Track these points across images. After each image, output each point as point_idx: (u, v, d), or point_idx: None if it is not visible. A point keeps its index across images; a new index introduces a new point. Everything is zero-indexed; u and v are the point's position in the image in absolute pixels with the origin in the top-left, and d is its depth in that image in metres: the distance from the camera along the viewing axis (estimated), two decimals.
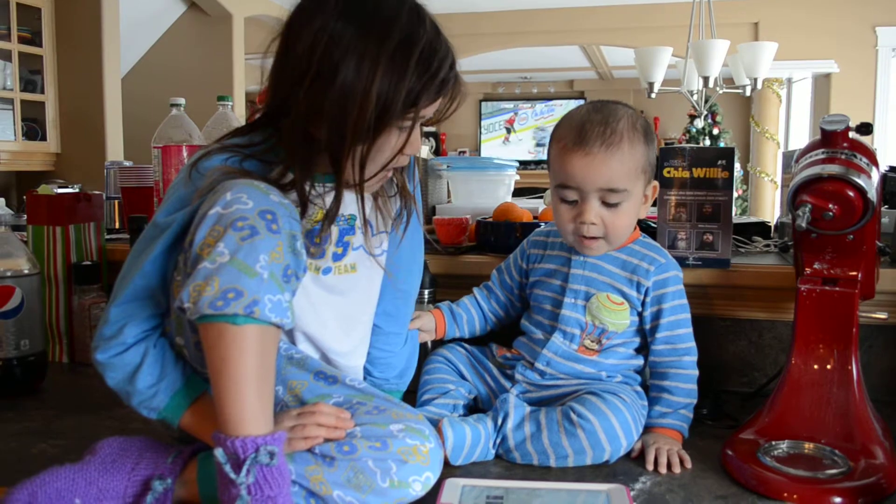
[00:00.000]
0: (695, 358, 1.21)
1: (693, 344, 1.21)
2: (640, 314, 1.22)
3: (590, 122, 1.15)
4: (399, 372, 1.24)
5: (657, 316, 1.21)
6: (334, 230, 1.09)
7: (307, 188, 1.01)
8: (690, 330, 1.22)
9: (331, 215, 1.02)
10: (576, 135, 1.15)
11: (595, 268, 1.23)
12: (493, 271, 1.40)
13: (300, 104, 0.95)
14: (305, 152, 0.99)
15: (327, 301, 1.11)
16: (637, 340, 1.24)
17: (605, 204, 1.16)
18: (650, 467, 1.09)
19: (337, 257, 1.11)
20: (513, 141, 9.91)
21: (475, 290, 1.41)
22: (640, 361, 1.24)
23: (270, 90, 1.00)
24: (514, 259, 1.36)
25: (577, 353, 1.22)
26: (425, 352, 1.34)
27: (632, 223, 1.20)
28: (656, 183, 1.23)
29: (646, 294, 1.21)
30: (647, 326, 1.22)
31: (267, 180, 0.95)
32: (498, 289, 1.38)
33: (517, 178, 2.10)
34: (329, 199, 1.08)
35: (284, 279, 0.87)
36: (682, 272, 1.23)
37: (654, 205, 1.45)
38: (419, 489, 0.93)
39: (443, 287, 1.49)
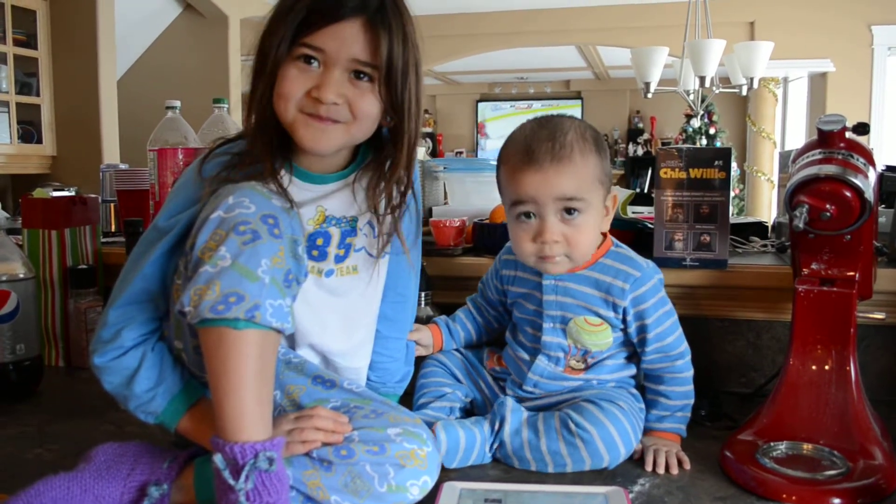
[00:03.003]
0: (688, 358, 1.19)
1: (685, 346, 1.19)
2: (623, 330, 1.19)
3: (536, 140, 1.10)
4: (398, 377, 1.24)
5: (642, 330, 1.17)
6: (335, 232, 1.09)
7: (281, 177, 1.02)
8: (680, 332, 1.19)
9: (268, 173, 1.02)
10: (523, 154, 1.10)
11: (567, 291, 1.18)
12: (479, 284, 1.38)
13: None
14: (262, 138, 1.01)
15: (329, 303, 1.10)
16: (625, 351, 1.21)
17: (565, 216, 1.10)
18: (649, 468, 1.09)
19: (339, 259, 1.10)
20: None
21: (468, 301, 1.39)
22: (631, 371, 1.21)
23: None
24: (491, 277, 1.34)
25: (563, 373, 1.20)
26: (420, 357, 1.33)
27: (595, 238, 1.15)
28: (615, 193, 1.18)
29: (624, 314, 1.17)
30: (635, 340, 1.19)
31: (251, 177, 0.96)
32: (485, 304, 1.36)
33: None
34: (326, 201, 1.08)
35: (285, 284, 0.87)
36: (661, 275, 1.19)
37: (649, 203, 1.44)
38: (417, 493, 0.93)
39: (439, 289, 1.48)
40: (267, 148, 1.01)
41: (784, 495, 0.99)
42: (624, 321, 1.18)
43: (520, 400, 1.21)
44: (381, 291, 1.17)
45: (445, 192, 2.08)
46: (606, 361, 1.20)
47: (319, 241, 1.08)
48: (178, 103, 1.85)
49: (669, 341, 1.18)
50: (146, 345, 0.98)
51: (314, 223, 1.07)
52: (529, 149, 1.10)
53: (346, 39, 0.96)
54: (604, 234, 1.20)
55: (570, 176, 1.08)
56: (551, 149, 1.08)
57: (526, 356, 1.23)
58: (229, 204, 0.87)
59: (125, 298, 0.98)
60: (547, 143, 1.09)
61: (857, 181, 1.08)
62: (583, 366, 1.20)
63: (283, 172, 1.04)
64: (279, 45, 0.97)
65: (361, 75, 0.99)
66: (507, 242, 1.33)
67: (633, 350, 1.21)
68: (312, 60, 0.97)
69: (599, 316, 1.18)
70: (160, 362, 0.98)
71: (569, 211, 1.10)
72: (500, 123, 9.85)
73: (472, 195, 1.94)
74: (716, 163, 1.36)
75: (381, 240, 1.11)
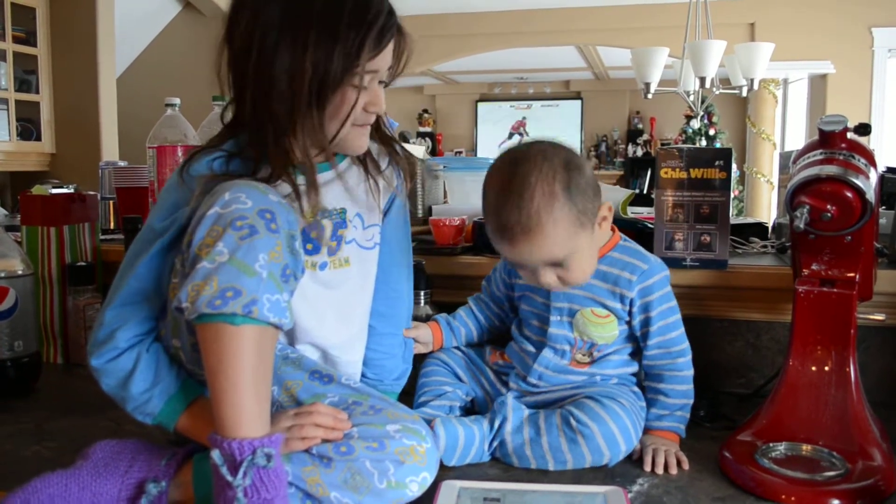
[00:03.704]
0: (689, 357, 1.19)
1: (686, 344, 1.20)
2: (628, 323, 1.20)
3: (504, 209, 1.06)
4: (396, 375, 1.24)
5: (646, 323, 1.18)
6: (328, 224, 1.09)
7: (294, 178, 1.01)
8: (682, 331, 1.20)
9: (312, 187, 1.02)
10: (495, 224, 1.08)
11: None
12: (483, 282, 1.38)
13: (251, 94, 0.98)
14: (274, 141, 0.99)
15: (325, 297, 1.11)
16: (629, 346, 1.22)
17: (555, 266, 1.10)
18: (648, 468, 1.09)
19: (331, 252, 1.11)
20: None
21: (470, 300, 1.39)
22: (634, 368, 1.22)
23: (231, 88, 1.03)
24: (499, 272, 1.34)
25: (568, 366, 1.20)
26: (421, 355, 1.33)
27: (592, 263, 1.15)
28: (608, 203, 1.15)
29: (631, 305, 1.18)
30: (638, 333, 1.20)
31: (257, 179, 0.96)
32: (489, 300, 1.37)
33: None
34: (322, 190, 1.08)
35: (283, 279, 0.87)
36: (668, 271, 1.20)
37: (649, 204, 1.44)
38: (416, 490, 0.93)
39: (439, 288, 1.48)
40: (286, 159, 1.01)
41: (783, 496, 0.99)
42: (630, 313, 1.18)
43: (522, 395, 1.21)
44: (373, 282, 1.18)
45: (445, 191, 2.08)
46: (611, 356, 1.20)
47: (313, 234, 1.09)
48: (177, 101, 1.84)
49: (672, 336, 1.18)
50: (141, 346, 0.98)
51: (308, 217, 1.07)
52: (499, 220, 1.07)
53: (388, 54, 1.02)
54: (612, 229, 1.21)
55: (544, 246, 1.06)
56: (518, 222, 1.05)
57: (531, 349, 1.23)
58: (226, 200, 0.87)
59: (120, 299, 0.98)
60: (513, 215, 1.05)
61: (859, 182, 1.07)
62: (588, 359, 1.20)
63: None
64: (341, 67, 0.97)
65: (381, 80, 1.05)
66: None
67: (637, 346, 1.22)
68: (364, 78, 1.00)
69: (606, 307, 1.18)
70: (155, 363, 0.98)
71: (556, 264, 1.10)
72: (490, 106, 9.84)
73: (471, 194, 1.94)
74: (716, 163, 1.36)
75: (374, 191, 1.15)
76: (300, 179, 1.05)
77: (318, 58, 0.95)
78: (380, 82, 1.04)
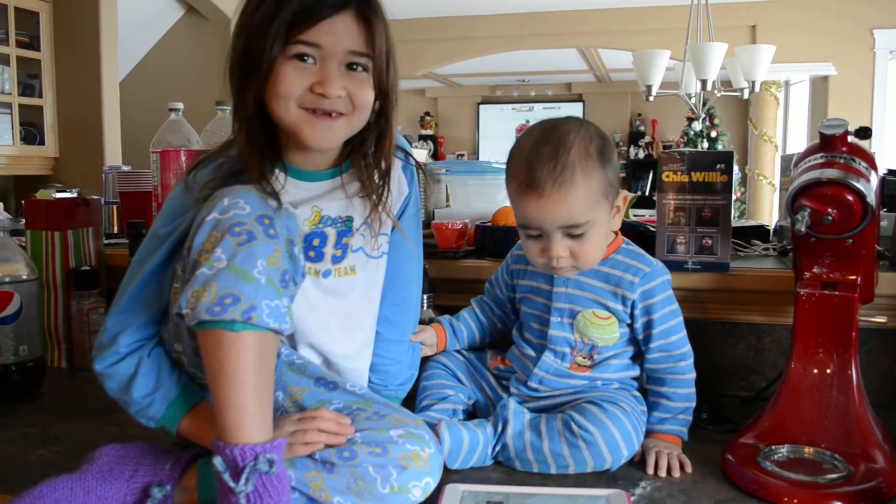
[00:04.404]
0: (691, 361, 1.20)
1: (688, 348, 1.20)
2: (629, 325, 1.20)
3: (538, 159, 1.08)
4: (400, 380, 1.24)
5: (648, 326, 1.18)
6: (332, 232, 1.09)
7: (276, 178, 1.02)
8: (684, 333, 1.20)
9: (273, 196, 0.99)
10: (526, 175, 1.09)
11: (578, 284, 1.20)
12: (486, 284, 1.39)
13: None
14: (243, 141, 1.01)
15: (328, 304, 1.10)
16: (630, 349, 1.22)
17: (571, 235, 1.11)
18: (650, 471, 1.09)
19: (336, 260, 1.11)
20: None
21: (473, 302, 1.40)
22: (635, 372, 1.22)
23: None
24: (501, 274, 1.35)
25: (569, 370, 1.20)
26: (423, 358, 1.34)
27: (602, 246, 1.16)
28: (625, 193, 1.18)
29: (633, 307, 1.18)
30: (640, 337, 1.20)
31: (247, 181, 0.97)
32: (492, 303, 1.37)
33: None
34: (321, 201, 1.08)
35: (282, 284, 0.87)
36: (669, 275, 1.20)
37: (650, 206, 1.45)
38: (419, 495, 0.93)
39: (442, 292, 1.49)
40: (258, 153, 1.01)
41: (785, 499, 0.99)
42: (632, 315, 1.19)
43: (523, 399, 1.21)
44: (379, 291, 1.18)
45: (447, 195, 2.08)
46: (612, 360, 1.20)
47: (316, 242, 1.08)
48: (180, 105, 1.85)
49: (673, 340, 1.18)
50: (142, 350, 0.99)
51: (310, 224, 1.08)
52: (532, 168, 1.08)
53: (340, 32, 0.97)
54: (615, 233, 1.21)
55: (571, 203, 1.08)
56: (552, 171, 1.06)
57: (532, 353, 1.23)
58: (224, 205, 0.88)
59: (122, 305, 0.99)
60: (549, 165, 1.07)
61: (859, 185, 1.08)
62: (589, 363, 1.20)
63: (277, 172, 1.04)
64: (272, 45, 0.95)
65: (355, 66, 1.00)
66: (510, 243, 1.34)
67: (638, 350, 1.22)
68: (307, 57, 0.97)
69: (608, 309, 1.19)
70: (157, 368, 0.98)
71: (573, 232, 1.11)
72: (495, 109, 9.84)
73: (473, 198, 1.94)
74: (718, 166, 1.36)
75: (376, 224, 1.12)
76: (295, 184, 1.06)
77: (255, 36, 0.96)
78: (351, 67, 0.99)
